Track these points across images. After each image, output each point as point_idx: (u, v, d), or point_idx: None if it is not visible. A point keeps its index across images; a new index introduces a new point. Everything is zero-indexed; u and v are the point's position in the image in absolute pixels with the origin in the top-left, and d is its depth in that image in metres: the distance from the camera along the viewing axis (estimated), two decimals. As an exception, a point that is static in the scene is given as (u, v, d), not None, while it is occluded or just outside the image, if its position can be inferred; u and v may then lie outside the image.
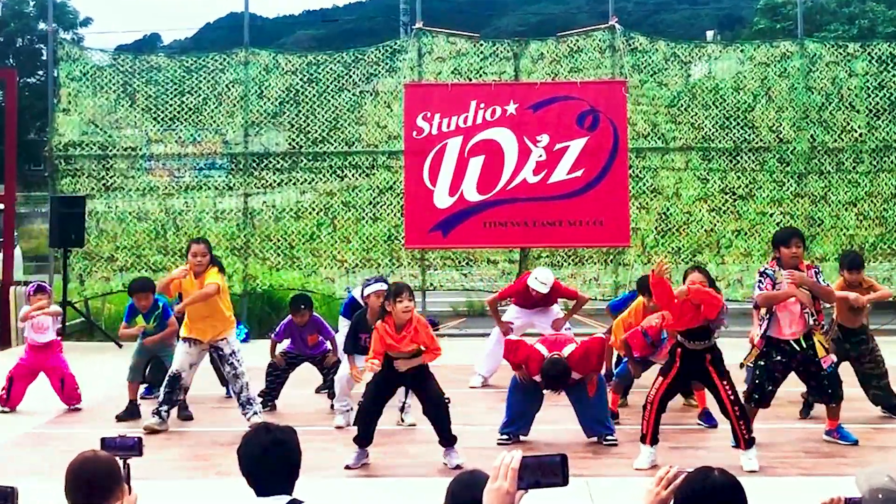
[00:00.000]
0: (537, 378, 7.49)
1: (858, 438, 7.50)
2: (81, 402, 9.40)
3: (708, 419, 8.06)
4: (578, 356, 7.45)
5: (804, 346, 7.19)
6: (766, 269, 7.30)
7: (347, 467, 7.00)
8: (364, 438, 7.08)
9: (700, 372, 6.93)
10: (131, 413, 8.81)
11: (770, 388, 7.31)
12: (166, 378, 8.37)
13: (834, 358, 7.44)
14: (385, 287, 8.26)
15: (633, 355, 8.39)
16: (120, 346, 13.10)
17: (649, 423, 6.89)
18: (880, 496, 2.91)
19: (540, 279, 9.53)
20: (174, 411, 8.59)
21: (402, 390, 7.84)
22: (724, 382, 6.80)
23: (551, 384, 7.40)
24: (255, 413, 8.27)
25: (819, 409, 8.13)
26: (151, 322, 9.07)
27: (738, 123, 14.81)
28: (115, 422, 8.55)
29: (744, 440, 6.80)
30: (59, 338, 9.72)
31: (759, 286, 7.27)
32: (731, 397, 6.79)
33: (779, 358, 7.24)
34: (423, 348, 6.99)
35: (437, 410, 7.03)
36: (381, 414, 7.24)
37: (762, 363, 7.28)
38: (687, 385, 7.07)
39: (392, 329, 6.94)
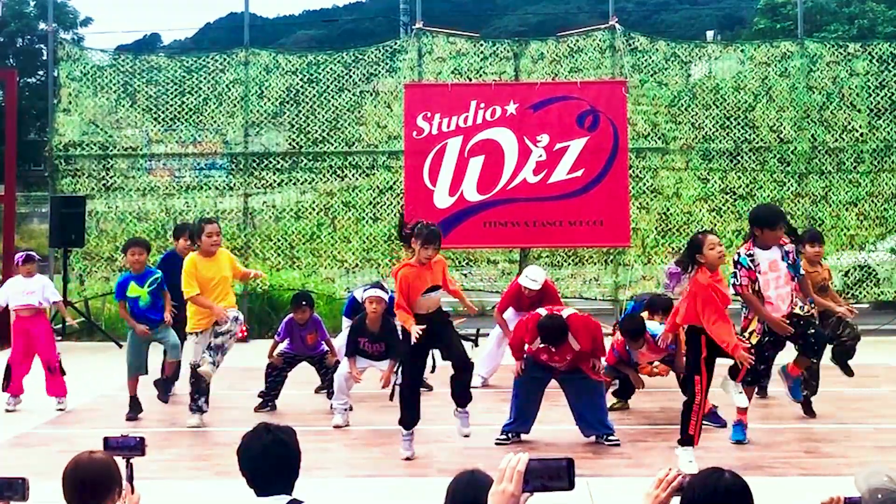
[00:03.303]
0: (537, 342, 7.43)
1: (851, 435, 7.49)
2: (65, 400, 9.26)
3: (715, 419, 8.05)
4: (578, 322, 7.41)
5: (793, 320, 7.20)
6: (741, 257, 7.01)
7: (408, 459, 7.11)
8: (414, 418, 7.22)
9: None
10: (136, 409, 8.79)
11: (761, 367, 7.39)
12: (189, 371, 8.35)
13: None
14: (380, 294, 8.31)
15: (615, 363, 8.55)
16: (120, 346, 13.08)
17: (698, 423, 6.77)
18: (879, 496, 2.91)
19: (531, 276, 9.51)
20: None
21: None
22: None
23: (547, 338, 7.34)
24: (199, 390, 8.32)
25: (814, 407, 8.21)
26: (146, 287, 8.77)
27: (739, 123, 14.80)
28: (118, 422, 8.48)
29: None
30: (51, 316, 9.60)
31: (734, 280, 7.06)
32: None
33: (768, 339, 7.25)
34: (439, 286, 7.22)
35: (463, 372, 7.25)
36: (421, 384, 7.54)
37: (752, 343, 7.29)
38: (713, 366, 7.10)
39: (414, 266, 7.12)
